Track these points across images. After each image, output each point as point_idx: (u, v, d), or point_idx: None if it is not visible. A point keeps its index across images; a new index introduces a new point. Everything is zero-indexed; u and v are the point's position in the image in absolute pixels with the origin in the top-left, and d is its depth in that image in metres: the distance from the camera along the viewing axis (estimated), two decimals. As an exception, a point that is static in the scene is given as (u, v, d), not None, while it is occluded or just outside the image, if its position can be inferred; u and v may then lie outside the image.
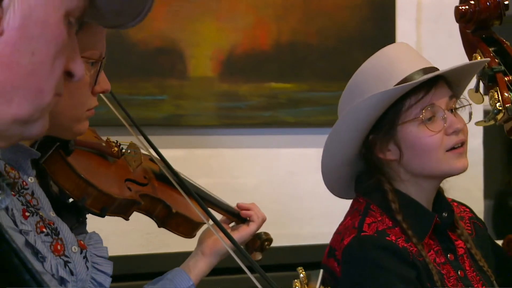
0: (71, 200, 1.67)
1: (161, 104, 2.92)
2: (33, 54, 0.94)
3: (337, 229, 1.96)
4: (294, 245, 3.08)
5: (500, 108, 1.80)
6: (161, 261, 2.65)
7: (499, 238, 2.19)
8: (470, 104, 1.96)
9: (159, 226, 1.84)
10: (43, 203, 1.56)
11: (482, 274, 1.96)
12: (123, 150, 1.78)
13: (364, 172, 1.97)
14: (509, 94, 1.84)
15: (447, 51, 3.16)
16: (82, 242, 1.60)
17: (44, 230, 1.52)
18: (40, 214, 1.53)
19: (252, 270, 1.66)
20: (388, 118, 1.89)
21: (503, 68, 1.82)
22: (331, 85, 3.10)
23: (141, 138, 1.75)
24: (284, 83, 3.07)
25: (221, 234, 1.76)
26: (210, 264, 1.85)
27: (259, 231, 1.95)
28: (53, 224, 1.55)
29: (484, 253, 2.00)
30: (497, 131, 3.66)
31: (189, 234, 1.87)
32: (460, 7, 1.88)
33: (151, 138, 1.78)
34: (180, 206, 1.82)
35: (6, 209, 1.43)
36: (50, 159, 1.61)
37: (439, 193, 1.98)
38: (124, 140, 1.80)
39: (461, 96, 1.98)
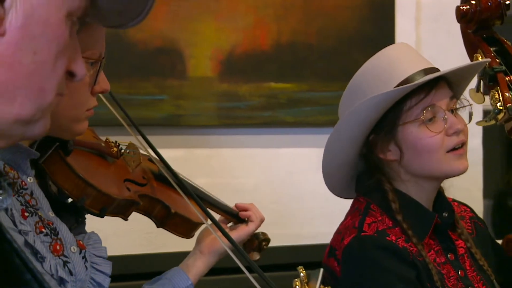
0: (70, 200, 1.67)
1: (161, 104, 2.92)
2: (35, 54, 0.94)
3: (338, 229, 1.96)
4: (293, 245, 3.08)
5: (501, 108, 1.80)
6: (160, 261, 2.65)
7: (498, 238, 2.19)
8: (470, 105, 1.96)
9: (157, 227, 1.84)
10: (42, 203, 1.56)
11: (482, 273, 1.97)
12: (122, 150, 1.78)
13: (365, 172, 1.97)
14: (510, 94, 1.84)
15: (447, 50, 3.16)
16: (81, 242, 1.60)
17: (43, 230, 1.52)
18: (39, 214, 1.53)
19: (250, 270, 1.66)
20: (389, 119, 1.89)
21: (504, 68, 1.82)
22: (331, 85, 3.10)
23: (140, 138, 1.75)
24: (284, 83, 3.07)
25: (219, 234, 1.76)
26: (208, 264, 1.85)
27: (257, 231, 1.96)
28: (52, 224, 1.55)
29: (484, 252, 2.00)
30: (496, 131, 3.67)
31: (187, 234, 1.87)
32: (461, 7, 1.88)
33: (151, 138, 1.78)
34: (179, 206, 1.83)
35: (6, 209, 1.43)
36: (49, 159, 1.61)
37: (440, 193, 1.98)
38: (123, 140, 1.80)
39: (461, 97, 1.98)
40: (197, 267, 1.83)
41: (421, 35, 3.28)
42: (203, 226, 1.88)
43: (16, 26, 0.93)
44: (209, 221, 1.77)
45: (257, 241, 1.98)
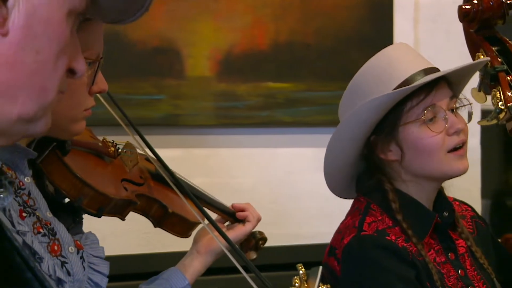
0: (67, 200, 1.66)
1: (159, 104, 2.92)
2: (37, 53, 0.94)
3: (338, 228, 1.97)
4: (291, 244, 3.08)
5: (502, 107, 1.80)
6: (158, 261, 2.65)
7: (496, 238, 2.20)
8: (470, 104, 1.96)
9: (155, 226, 1.84)
10: (39, 204, 1.55)
11: (483, 272, 1.97)
12: (120, 150, 1.78)
13: (365, 172, 1.97)
14: (511, 93, 1.84)
15: (445, 50, 3.16)
16: (78, 242, 1.59)
17: (41, 230, 1.52)
18: (37, 214, 1.53)
19: (247, 270, 1.66)
20: (390, 120, 1.89)
21: (505, 67, 1.82)
22: (329, 85, 3.10)
23: (138, 138, 1.75)
24: (282, 83, 3.07)
25: (216, 233, 1.76)
26: (205, 263, 1.85)
27: (253, 230, 1.96)
28: (50, 224, 1.55)
29: (485, 251, 2.01)
30: (494, 130, 3.67)
31: (184, 233, 1.87)
32: (463, 7, 1.88)
33: (149, 137, 1.78)
34: (176, 206, 1.83)
35: (4, 209, 1.43)
36: (46, 159, 1.60)
37: (440, 193, 1.99)
38: (121, 140, 1.80)
39: (461, 95, 1.98)
40: (194, 267, 1.83)
41: (419, 35, 3.28)
42: (200, 226, 1.88)
43: (18, 25, 0.93)
44: (206, 221, 1.77)
45: (254, 240, 1.98)
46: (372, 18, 3.17)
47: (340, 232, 1.94)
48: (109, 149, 1.75)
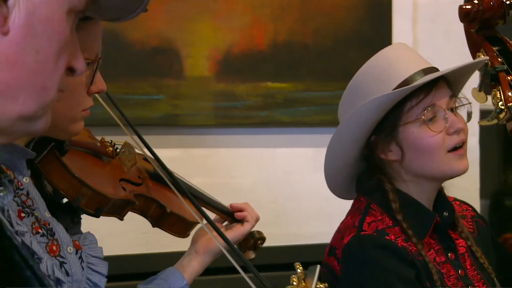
0: (65, 200, 1.66)
1: (158, 104, 2.92)
2: (37, 53, 0.94)
3: (338, 228, 1.97)
4: (290, 244, 3.08)
5: (502, 107, 1.80)
6: (156, 261, 2.65)
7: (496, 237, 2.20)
8: (470, 103, 1.97)
9: (153, 226, 1.84)
10: (38, 204, 1.55)
11: (483, 272, 1.97)
12: (118, 150, 1.78)
13: (366, 172, 1.98)
14: (512, 93, 1.84)
15: (444, 50, 3.17)
16: (77, 242, 1.60)
17: (39, 230, 1.52)
18: (36, 214, 1.53)
19: (245, 270, 1.66)
20: (390, 120, 1.90)
21: (506, 67, 1.82)
22: (327, 85, 3.10)
23: (136, 138, 1.75)
24: (280, 83, 3.07)
25: (215, 233, 1.76)
26: (203, 263, 1.85)
27: (252, 230, 1.96)
28: (49, 224, 1.55)
29: (485, 251, 2.01)
30: (493, 130, 3.67)
31: (183, 233, 1.87)
32: (464, 7, 1.88)
33: (148, 137, 1.78)
34: (174, 205, 1.83)
35: (2, 210, 1.43)
36: (45, 159, 1.60)
37: (440, 193, 1.99)
38: (119, 139, 1.80)
39: (460, 95, 1.99)
40: (192, 267, 1.83)
41: (418, 36, 3.29)
42: (198, 226, 1.88)
43: (19, 24, 0.93)
44: (204, 221, 1.77)
45: (253, 240, 1.98)
46: (370, 18, 3.17)
47: (340, 232, 1.94)
48: (107, 149, 1.75)
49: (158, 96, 2.92)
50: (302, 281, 1.32)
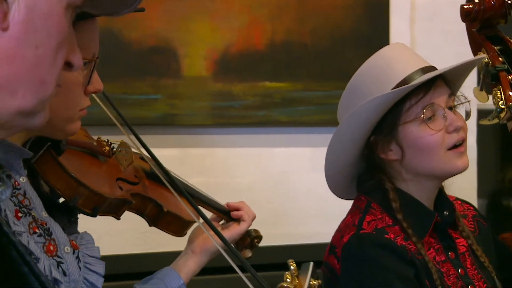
0: (62, 199, 1.66)
1: (155, 104, 2.92)
2: (36, 48, 0.95)
3: (338, 227, 1.98)
4: (288, 244, 3.08)
5: (503, 106, 1.80)
6: (154, 261, 2.65)
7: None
8: (468, 101, 1.97)
9: (150, 225, 1.84)
10: (35, 203, 1.55)
11: (483, 271, 1.98)
12: (114, 149, 1.78)
13: (366, 172, 1.98)
14: (512, 92, 1.84)
15: (441, 50, 3.17)
16: (74, 242, 1.59)
17: (37, 230, 1.51)
18: (33, 214, 1.53)
19: (243, 269, 1.66)
20: (389, 119, 1.90)
21: (506, 66, 1.82)
22: (325, 84, 3.10)
23: (133, 137, 1.75)
24: (278, 82, 3.07)
25: (212, 233, 1.76)
26: (200, 263, 1.85)
27: (249, 228, 1.96)
28: (46, 224, 1.55)
29: (486, 250, 2.02)
30: (491, 129, 3.67)
31: (179, 232, 1.87)
32: (465, 6, 1.88)
33: (145, 137, 1.78)
34: (171, 204, 1.82)
35: (-1, 210, 1.43)
36: (41, 159, 1.60)
37: (441, 192, 2.00)
38: (115, 139, 1.80)
39: (459, 94, 1.99)
40: (188, 266, 1.83)
41: (415, 35, 3.29)
42: (195, 225, 1.88)
43: (18, 20, 0.93)
44: (201, 220, 1.77)
45: (249, 238, 1.98)
46: (368, 17, 3.17)
47: (340, 231, 1.95)
48: (104, 148, 1.75)
49: (156, 95, 2.92)
50: (296, 278, 1.32)
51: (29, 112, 0.98)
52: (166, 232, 1.86)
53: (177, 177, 1.85)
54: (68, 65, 1.01)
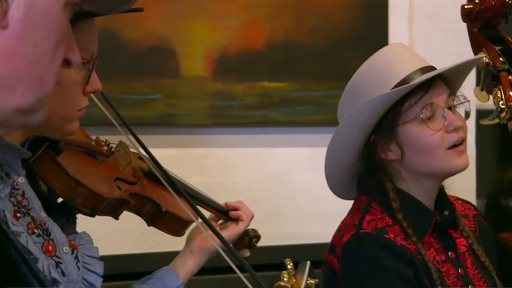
0: (60, 199, 1.66)
1: (154, 104, 2.91)
2: (35, 46, 0.95)
3: (339, 227, 1.99)
4: (287, 244, 3.08)
5: (503, 106, 1.80)
6: (154, 261, 2.65)
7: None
8: (468, 101, 1.98)
9: (148, 225, 1.84)
10: (34, 203, 1.55)
11: (484, 271, 1.98)
12: (113, 149, 1.77)
13: (366, 172, 1.98)
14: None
15: (440, 49, 3.17)
16: (73, 242, 1.59)
17: (35, 231, 1.51)
18: (31, 214, 1.53)
19: (241, 269, 1.66)
20: (389, 119, 1.91)
21: (507, 66, 1.82)
22: (324, 84, 3.10)
23: (131, 137, 1.74)
24: (277, 82, 3.07)
25: (210, 232, 1.76)
26: (198, 263, 1.85)
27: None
28: (44, 224, 1.54)
29: (487, 250, 2.02)
30: (489, 128, 3.67)
31: (178, 232, 1.87)
32: (466, 6, 1.88)
33: (144, 137, 1.78)
34: (169, 204, 1.82)
35: (-2, 209, 1.43)
36: (39, 159, 1.60)
37: (441, 191, 2.00)
38: (114, 139, 1.80)
39: (459, 93, 2.00)
40: (187, 266, 1.83)
41: (414, 35, 3.29)
42: (194, 224, 1.88)
43: (18, 18, 0.94)
44: (200, 219, 1.76)
45: (248, 238, 1.98)
46: (367, 17, 3.17)
47: (340, 231, 1.96)
48: (102, 148, 1.74)
49: (155, 95, 2.92)
50: (293, 277, 1.32)
51: (29, 109, 0.98)
52: (165, 231, 1.86)
53: (175, 176, 1.85)
54: (66, 63, 1.02)
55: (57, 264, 1.53)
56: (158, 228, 1.84)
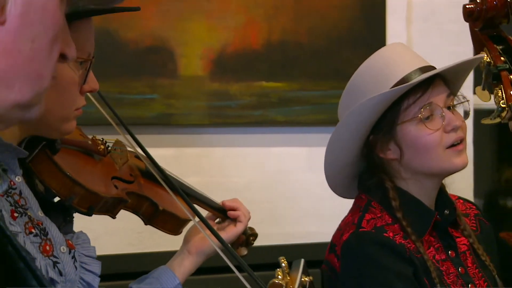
0: (57, 199, 1.66)
1: (152, 103, 2.91)
2: (33, 41, 0.95)
3: (339, 225, 1.99)
4: (285, 244, 3.08)
5: (504, 106, 1.80)
6: (151, 260, 2.65)
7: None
8: (467, 101, 1.98)
9: (145, 224, 1.83)
10: (31, 203, 1.55)
11: (485, 270, 1.98)
12: (109, 148, 1.77)
13: (366, 171, 1.99)
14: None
15: (438, 50, 3.17)
16: (70, 241, 1.59)
17: (32, 230, 1.51)
18: (29, 214, 1.53)
19: (239, 269, 1.66)
20: (388, 119, 1.91)
21: (508, 66, 1.83)
22: (321, 84, 3.10)
23: (128, 136, 1.74)
24: (274, 82, 3.07)
25: (208, 232, 1.76)
26: (196, 263, 1.84)
27: None
28: (42, 224, 1.54)
29: (488, 249, 2.02)
30: (487, 128, 3.67)
31: (175, 231, 1.87)
32: (467, 6, 1.89)
33: (142, 137, 1.78)
34: (167, 203, 1.82)
35: (-5, 210, 1.43)
36: (36, 158, 1.60)
37: (442, 191, 2.00)
38: (110, 138, 1.80)
39: (458, 93, 2.00)
40: (184, 266, 1.82)
41: (412, 35, 3.29)
42: (191, 223, 1.87)
43: (15, 14, 0.94)
44: (197, 218, 1.76)
45: (245, 236, 1.98)
46: (364, 17, 3.17)
47: (340, 229, 1.96)
48: (99, 147, 1.74)
49: (152, 95, 2.92)
50: (287, 275, 1.32)
51: (26, 105, 0.98)
52: (162, 230, 1.85)
53: (172, 175, 1.84)
54: (62, 57, 1.02)
55: (55, 264, 1.53)
56: (155, 227, 1.84)
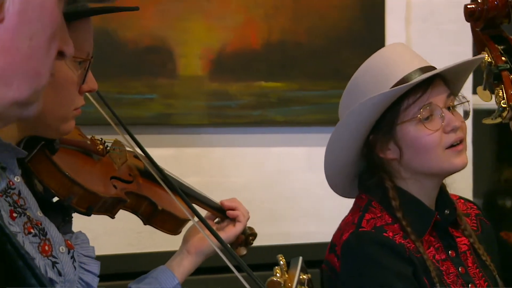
0: (55, 199, 1.66)
1: (151, 103, 2.91)
2: (31, 39, 0.96)
3: (339, 225, 1.99)
4: (284, 244, 3.08)
5: (505, 105, 1.80)
6: (150, 260, 2.65)
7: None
8: (468, 101, 1.98)
9: (144, 224, 1.83)
10: (30, 203, 1.55)
11: (485, 270, 1.98)
12: (108, 148, 1.77)
13: (366, 171, 1.99)
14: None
15: (437, 50, 3.17)
16: (69, 242, 1.59)
17: (32, 231, 1.51)
18: (28, 214, 1.53)
19: (238, 269, 1.66)
20: (387, 119, 1.91)
21: (509, 66, 1.83)
22: (321, 84, 3.11)
23: (127, 136, 1.74)
24: (274, 82, 3.07)
25: (207, 232, 1.76)
26: (195, 263, 1.84)
27: None
28: (41, 224, 1.54)
29: (488, 248, 2.02)
30: (486, 128, 3.67)
31: (174, 231, 1.87)
32: (469, 6, 1.89)
33: (141, 137, 1.78)
34: (166, 203, 1.82)
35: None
36: (35, 158, 1.60)
37: (442, 190, 2.00)
38: (109, 138, 1.79)
39: (459, 94, 2.00)
40: (183, 266, 1.82)
41: (411, 35, 3.29)
42: (190, 223, 1.87)
43: (13, 11, 0.94)
44: (196, 218, 1.76)
45: (244, 236, 1.98)
46: (363, 17, 3.18)
47: (340, 229, 1.97)
48: (98, 147, 1.74)
49: (151, 95, 2.92)
50: (285, 272, 1.32)
51: (24, 102, 0.98)
52: (161, 230, 1.85)
53: (171, 175, 1.84)
54: (60, 54, 1.02)
55: (54, 264, 1.53)
56: (154, 226, 1.84)
